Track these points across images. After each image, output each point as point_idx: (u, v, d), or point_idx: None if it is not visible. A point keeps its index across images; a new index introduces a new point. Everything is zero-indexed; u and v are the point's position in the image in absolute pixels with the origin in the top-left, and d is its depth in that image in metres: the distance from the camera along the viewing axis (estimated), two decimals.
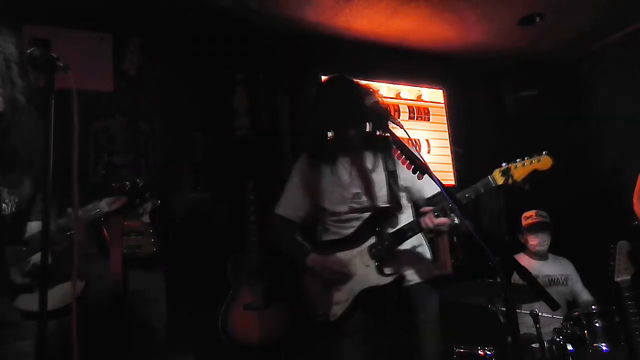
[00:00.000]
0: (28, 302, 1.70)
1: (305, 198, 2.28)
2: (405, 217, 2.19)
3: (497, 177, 1.99)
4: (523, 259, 3.75)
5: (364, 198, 2.17)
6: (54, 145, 1.41)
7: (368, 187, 2.17)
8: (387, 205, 2.16)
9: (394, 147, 2.23)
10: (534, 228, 3.72)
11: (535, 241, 3.73)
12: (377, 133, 2.20)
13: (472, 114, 4.80)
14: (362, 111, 2.11)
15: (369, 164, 2.24)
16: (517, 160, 2.00)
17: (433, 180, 1.88)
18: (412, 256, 2.17)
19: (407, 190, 2.22)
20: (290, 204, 2.31)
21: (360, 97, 2.15)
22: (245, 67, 3.97)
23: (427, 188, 2.21)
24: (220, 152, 3.82)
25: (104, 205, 1.87)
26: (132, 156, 3.55)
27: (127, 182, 1.92)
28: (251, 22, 3.94)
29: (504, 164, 2.00)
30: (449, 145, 4.55)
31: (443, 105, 4.60)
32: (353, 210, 2.17)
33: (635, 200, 2.82)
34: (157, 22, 3.68)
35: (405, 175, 2.16)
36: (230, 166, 3.80)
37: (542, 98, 4.87)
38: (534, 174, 1.98)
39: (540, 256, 3.77)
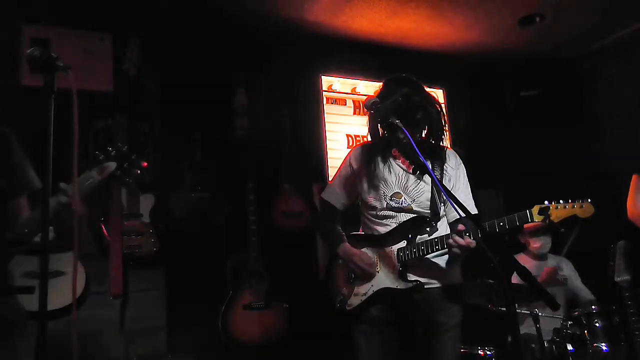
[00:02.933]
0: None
1: (349, 188, 2.36)
2: (441, 226, 2.22)
3: (535, 214, 1.99)
4: (522, 260, 3.74)
5: (403, 199, 2.20)
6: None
7: (409, 189, 2.21)
8: (426, 212, 2.20)
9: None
10: (536, 231, 3.71)
11: (537, 244, 3.72)
12: (431, 140, 2.24)
13: (472, 114, 4.80)
14: (420, 116, 2.17)
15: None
16: (561, 201, 1.99)
17: (435, 182, 1.90)
18: (438, 264, 2.20)
19: (445, 202, 2.24)
20: (335, 191, 2.39)
21: (422, 101, 2.20)
22: (245, 67, 3.97)
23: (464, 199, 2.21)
24: (220, 152, 3.83)
25: (94, 174, 1.88)
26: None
27: (110, 148, 1.95)
28: (251, 22, 3.94)
29: (546, 202, 1.99)
30: (449, 146, 4.55)
31: (443, 105, 4.58)
32: (389, 209, 2.21)
33: (629, 203, 2.75)
34: (157, 22, 3.68)
35: (450, 187, 2.21)
36: (230, 166, 3.81)
37: (542, 98, 4.87)
38: (573, 219, 1.97)
39: (540, 257, 3.76)
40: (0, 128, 1.85)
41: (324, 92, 4.20)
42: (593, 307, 3.23)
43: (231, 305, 3.37)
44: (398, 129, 1.99)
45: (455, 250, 2.05)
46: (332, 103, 4.22)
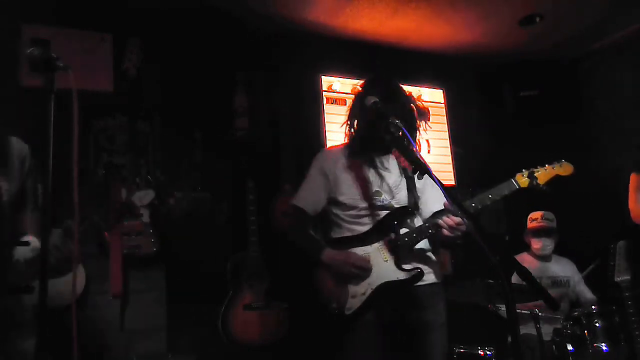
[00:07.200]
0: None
1: (321, 192, 2.30)
2: (420, 220, 2.24)
3: (521, 181, 2.10)
4: (526, 259, 3.74)
5: (384, 197, 2.21)
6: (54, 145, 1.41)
7: (388, 186, 2.23)
8: (406, 205, 2.21)
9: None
10: (538, 232, 3.71)
11: (537, 245, 3.71)
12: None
13: (472, 114, 4.80)
14: (394, 113, 2.14)
15: (392, 165, 2.30)
16: (538, 166, 2.14)
17: (435, 181, 1.90)
18: (427, 256, 2.23)
19: (420, 198, 2.27)
20: (310, 197, 2.32)
21: (397, 98, 2.24)
22: (245, 67, 3.97)
23: (435, 202, 2.24)
24: (220, 152, 3.83)
25: None
26: (132, 156, 3.55)
27: None
28: (251, 22, 3.94)
29: (524, 170, 2.11)
30: (449, 145, 4.55)
31: (443, 105, 4.60)
32: (372, 207, 2.21)
33: (632, 205, 2.82)
34: (157, 22, 3.68)
35: (420, 184, 2.25)
36: (230, 166, 3.81)
37: (542, 98, 4.87)
38: (556, 179, 2.13)
39: (543, 257, 3.76)
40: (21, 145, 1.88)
41: (324, 92, 4.20)
42: (593, 307, 3.23)
43: (231, 305, 3.37)
44: (397, 129, 2.00)
45: (446, 232, 2.07)
46: (332, 103, 4.22)
